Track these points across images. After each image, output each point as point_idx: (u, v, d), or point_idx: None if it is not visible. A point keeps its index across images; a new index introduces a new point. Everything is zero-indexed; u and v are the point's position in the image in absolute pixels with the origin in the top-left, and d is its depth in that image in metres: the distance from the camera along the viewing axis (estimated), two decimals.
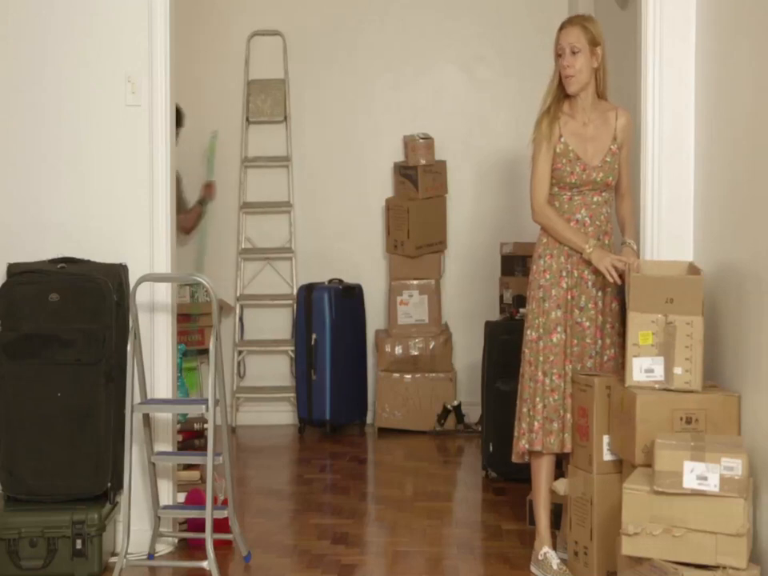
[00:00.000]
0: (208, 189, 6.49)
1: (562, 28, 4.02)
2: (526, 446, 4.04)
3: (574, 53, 3.96)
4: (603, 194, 4.04)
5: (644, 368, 3.66)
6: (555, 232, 4.01)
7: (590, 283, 4.03)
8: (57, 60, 4.31)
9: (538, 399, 4.00)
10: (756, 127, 3.55)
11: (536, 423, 4.01)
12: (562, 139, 3.99)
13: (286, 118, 6.83)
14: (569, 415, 3.97)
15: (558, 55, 4.00)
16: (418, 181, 6.55)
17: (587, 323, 4.02)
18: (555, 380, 3.99)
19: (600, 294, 4.03)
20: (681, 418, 3.56)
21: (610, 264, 3.90)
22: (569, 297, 4.01)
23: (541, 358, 4.01)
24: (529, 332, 4.06)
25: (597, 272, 4.02)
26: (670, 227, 4.12)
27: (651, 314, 3.66)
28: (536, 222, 4.08)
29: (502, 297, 6.45)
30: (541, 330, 4.02)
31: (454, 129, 6.77)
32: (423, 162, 6.58)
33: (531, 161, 4.08)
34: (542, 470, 4.05)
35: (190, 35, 5.91)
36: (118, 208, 4.33)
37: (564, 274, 4.02)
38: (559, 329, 4.00)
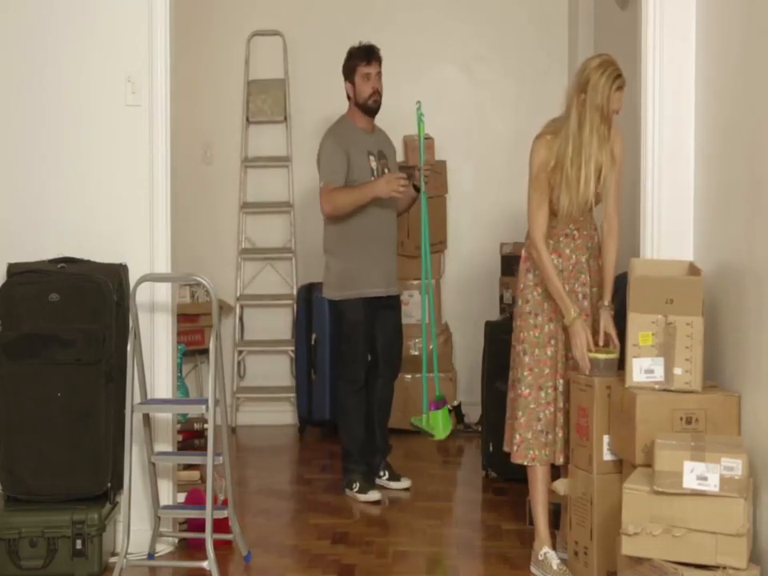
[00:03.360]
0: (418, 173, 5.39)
1: (619, 88, 3.84)
2: (507, 449, 4.11)
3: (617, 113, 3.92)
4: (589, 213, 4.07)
5: (644, 368, 3.66)
6: (545, 280, 3.95)
7: (580, 296, 4.04)
8: (57, 60, 4.31)
9: (519, 413, 4.02)
10: (756, 127, 3.55)
11: (517, 435, 4.03)
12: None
13: (286, 118, 6.83)
14: (560, 431, 4.00)
15: (613, 111, 3.87)
16: (419, 179, 6.54)
17: None
18: (551, 393, 4.00)
19: (586, 303, 4.04)
20: (681, 418, 3.56)
21: (583, 344, 3.86)
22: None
23: (526, 373, 4.01)
24: (514, 345, 4.07)
25: (585, 284, 4.03)
26: (670, 227, 4.12)
27: (651, 315, 3.66)
28: (529, 251, 4.04)
29: (501, 297, 6.44)
30: (526, 345, 4.01)
31: (454, 129, 6.77)
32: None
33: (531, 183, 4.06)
34: (539, 473, 4.05)
35: (190, 35, 5.90)
36: (118, 208, 4.33)
37: None
38: (552, 341, 4.01)
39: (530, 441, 4.02)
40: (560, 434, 4.00)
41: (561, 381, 4.01)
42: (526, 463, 4.04)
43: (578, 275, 4.03)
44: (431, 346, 5.35)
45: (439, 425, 5.17)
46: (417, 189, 5.39)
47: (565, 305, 3.91)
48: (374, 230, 5.17)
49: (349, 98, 5.33)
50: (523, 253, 4.11)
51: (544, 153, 3.96)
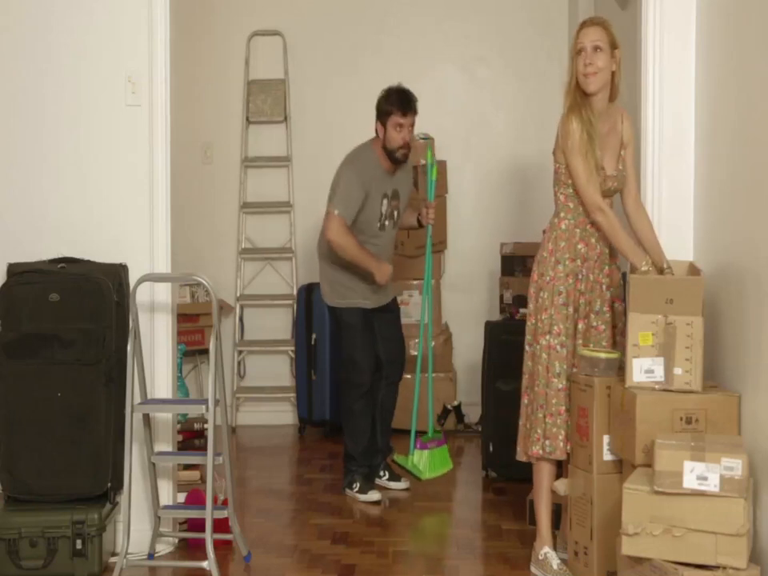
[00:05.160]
0: (428, 209, 5.29)
1: (582, 26, 3.96)
2: (540, 451, 4.00)
3: (595, 50, 3.89)
4: (610, 198, 4.02)
5: (644, 369, 3.66)
6: (614, 238, 3.91)
7: (604, 287, 4.01)
8: (57, 60, 4.31)
9: (563, 408, 3.97)
10: (756, 127, 3.55)
11: (562, 432, 3.96)
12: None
13: (286, 118, 6.83)
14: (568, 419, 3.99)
15: (578, 53, 3.92)
16: (418, 181, 6.54)
17: (603, 326, 4.00)
18: (566, 382, 3.99)
19: (609, 295, 4.02)
20: (681, 418, 3.56)
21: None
22: (582, 301, 4.00)
23: (565, 366, 3.97)
24: (547, 338, 3.98)
25: (610, 275, 4.02)
26: (670, 227, 4.12)
27: (651, 315, 3.66)
28: (595, 221, 3.92)
29: (502, 297, 6.44)
30: (563, 337, 3.97)
31: (454, 129, 6.77)
32: (423, 161, 6.58)
33: (569, 160, 3.91)
34: (545, 472, 4.05)
35: (190, 35, 5.90)
36: (117, 208, 4.33)
37: (580, 277, 4.00)
38: (578, 334, 4.01)
39: (563, 434, 3.98)
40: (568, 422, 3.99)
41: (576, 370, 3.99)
42: (563, 458, 3.99)
43: (602, 266, 4.01)
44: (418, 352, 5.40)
45: (423, 465, 5.15)
46: (420, 224, 5.33)
47: (635, 260, 3.85)
48: (369, 248, 5.11)
49: (377, 134, 5.16)
50: (549, 245, 4.01)
51: (575, 122, 3.91)
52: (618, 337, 4.04)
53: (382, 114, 5.10)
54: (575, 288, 3.99)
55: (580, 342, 3.98)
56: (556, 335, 3.98)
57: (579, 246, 4.00)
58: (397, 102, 5.08)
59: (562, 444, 3.97)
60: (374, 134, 5.18)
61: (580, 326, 3.99)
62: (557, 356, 3.97)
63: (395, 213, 5.22)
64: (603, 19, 4.06)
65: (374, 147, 5.17)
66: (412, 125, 5.12)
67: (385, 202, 5.15)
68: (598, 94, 3.94)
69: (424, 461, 5.15)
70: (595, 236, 4.00)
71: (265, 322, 6.84)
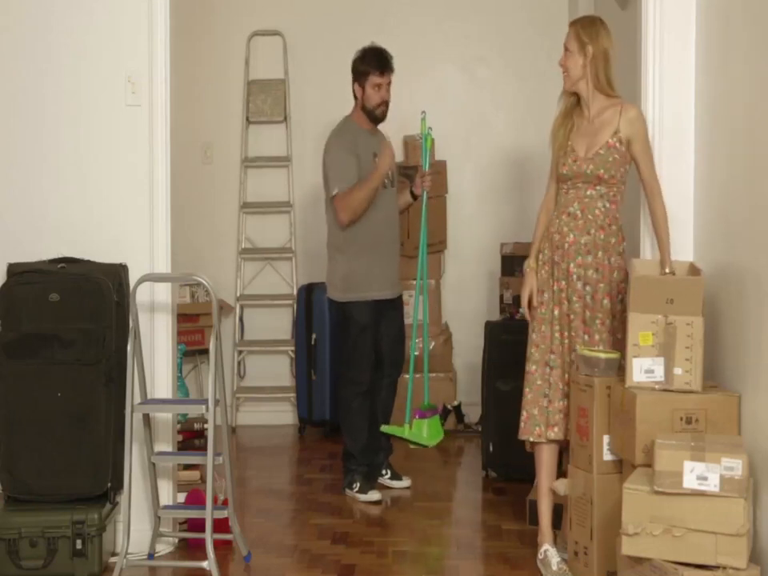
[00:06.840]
0: (423, 177, 5.31)
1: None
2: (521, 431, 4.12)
3: (565, 52, 4.08)
4: (598, 187, 4.02)
5: (644, 368, 3.66)
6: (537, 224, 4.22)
7: (575, 276, 4.05)
8: (57, 60, 4.31)
9: (527, 389, 4.08)
10: (756, 127, 3.55)
11: (524, 412, 4.09)
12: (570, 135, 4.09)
13: (286, 118, 6.84)
14: (557, 404, 4.04)
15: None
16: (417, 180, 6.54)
17: (572, 316, 4.05)
18: (552, 371, 4.06)
19: (588, 288, 4.03)
20: (681, 418, 3.56)
21: (525, 292, 4.15)
22: (556, 288, 4.06)
23: (533, 350, 4.08)
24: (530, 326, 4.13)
25: (582, 265, 4.03)
26: (670, 227, 4.12)
27: (651, 315, 3.66)
28: None
29: (502, 297, 6.45)
30: (534, 322, 4.10)
31: (454, 129, 6.77)
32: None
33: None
34: (544, 456, 4.08)
35: (190, 35, 5.90)
36: (118, 208, 4.34)
37: (554, 265, 4.07)
38: (554, 321, 4.06)
39: (536, 417, 4.05)
40: (557, 406, 4.04)
41: (553, 356, 4.06)
42: (532, 439, 4.07)
43: (575, 256, 4.04)
44: (421, 346, 5.38)
45: (423, 433, 5.16)
46: (413, 195, 5.38)
47: (530, 253, 4.17)
48: (380, 230, 5.15)
49: (355, 97, 5.26)
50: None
51: (555, 125, 4.16)
52: (605, 334, 4.02)
53: (360, 75, 5.16)
54: (552, 275, 4.08)
55: (557, 328, 4.03)
56: (531, 321, 4.12)
57: (555, 236, 4.09)
58: (374, 63, 5.13)
59: (523, 424, 4.08)
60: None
61: (556, 312, 4.06)
62: (529, 342, 4.11)
63: (389, 173, 5.19)
64: (581, 19, 4.22)
65: (351, 117, 5.26)
66: (389, 83, 5.18)
67: (376, 160, 5.13)
68: (579, 88, 4.06)
69: (426, 429, 5.17)
70: (569, 225, 4.05)
71: (265, 322, 6.84)
